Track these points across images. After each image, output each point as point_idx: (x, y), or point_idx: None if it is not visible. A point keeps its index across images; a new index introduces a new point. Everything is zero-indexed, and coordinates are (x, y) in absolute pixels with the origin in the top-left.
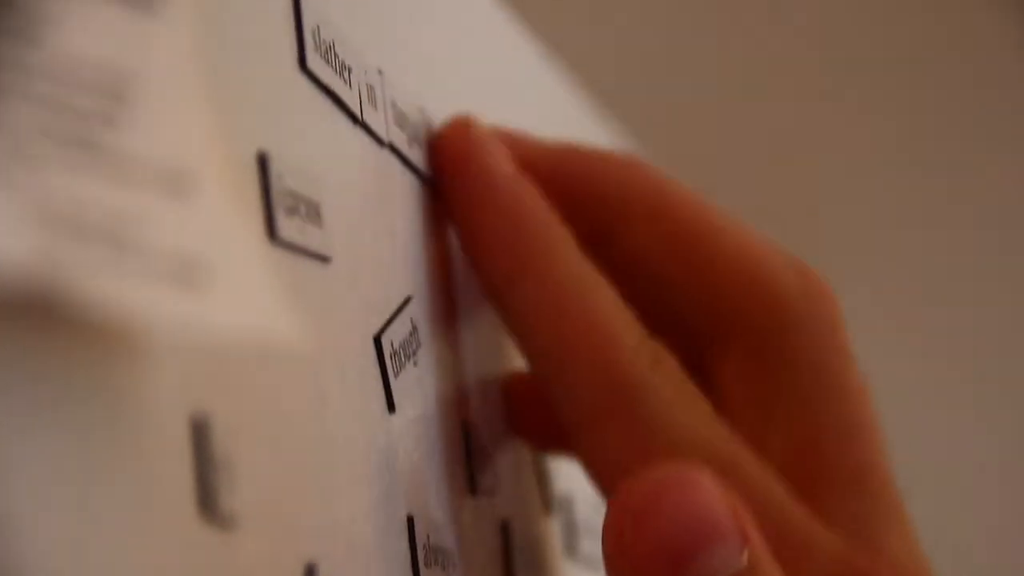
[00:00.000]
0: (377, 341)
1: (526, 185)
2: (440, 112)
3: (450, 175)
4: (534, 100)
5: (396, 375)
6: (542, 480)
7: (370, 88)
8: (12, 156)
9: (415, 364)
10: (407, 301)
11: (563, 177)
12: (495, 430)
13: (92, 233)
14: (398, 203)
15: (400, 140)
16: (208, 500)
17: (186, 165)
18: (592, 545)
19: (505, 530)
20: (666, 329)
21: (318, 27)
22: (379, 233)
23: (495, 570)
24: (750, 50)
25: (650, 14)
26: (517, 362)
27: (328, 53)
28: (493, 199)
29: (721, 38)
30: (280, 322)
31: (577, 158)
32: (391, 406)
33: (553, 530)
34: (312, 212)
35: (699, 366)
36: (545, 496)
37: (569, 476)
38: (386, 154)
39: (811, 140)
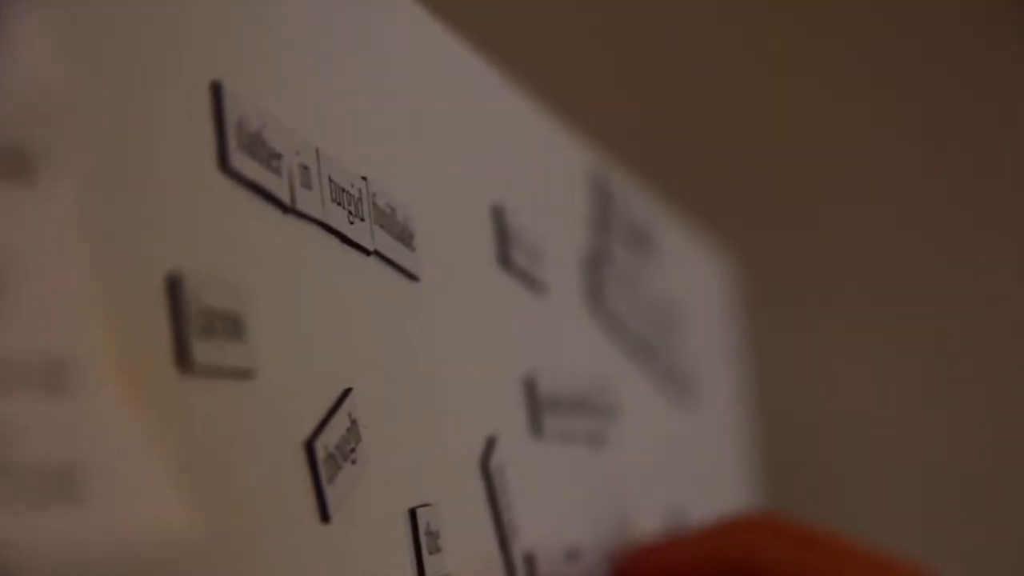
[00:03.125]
0: (309, 446)
1: None
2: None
3: None
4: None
5: (330, 480)
6: (505, 542)
7: (303, 169)
8: None
9: (353, 462)
10: (345, 395)
11: None
12: (443, 508)
13: None
14: (335, 284)
15: (340, 219)
16: None
17: (67, 354)
18: None
19: None
20: None
21: (241, 120)
22: (314, 323)
23: None
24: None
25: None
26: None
27: (254, 144)
28: None
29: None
30: (171, 512)
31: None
32: (325, 516)
33: None
34: (232, 326)
35: None
36: (508, 559)
37: (530, 528)
38: (323, 235)
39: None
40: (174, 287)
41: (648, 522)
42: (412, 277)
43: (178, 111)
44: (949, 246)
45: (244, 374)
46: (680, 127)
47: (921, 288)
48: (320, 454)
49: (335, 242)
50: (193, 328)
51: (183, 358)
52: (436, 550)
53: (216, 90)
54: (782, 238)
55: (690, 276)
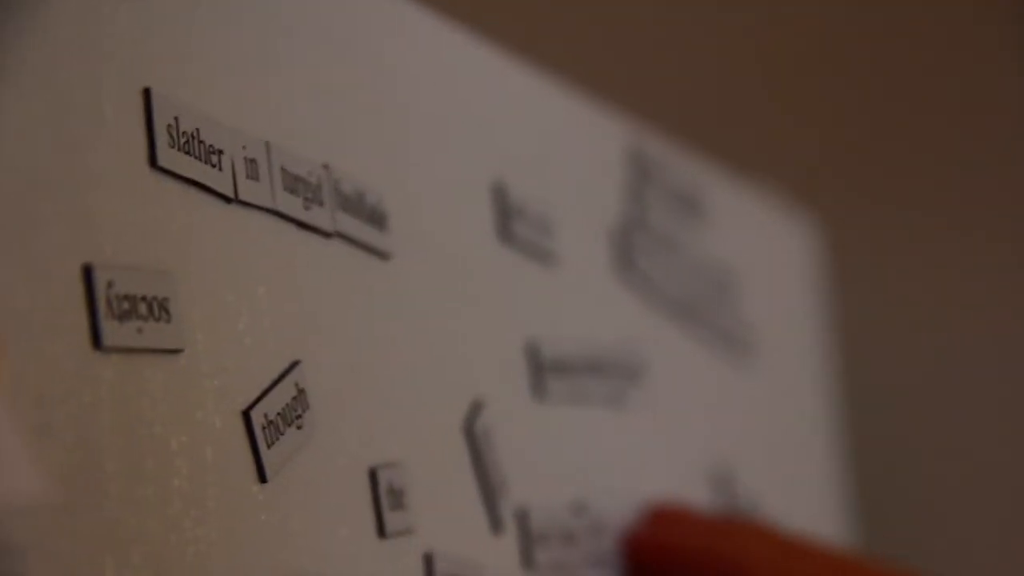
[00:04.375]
0: (246, 415)
1: None
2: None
3: None
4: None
5: (271, 445)
6: (491, 500)
7: (250, 162)
8: None
9: (299, 428)
10: (292, 366)
11: None
12: (416, 466)
13: None
14: (289, 266)
15: (293, 206)
16: None
17: None
18: (547, 553)
19: (428, 564)
20: None
21: (176, 120)
22: (257, 302)
23: None
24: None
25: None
26: (428, 397)
27: (190, 142)
28: None
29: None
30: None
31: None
32: (263, 476)
33: (504, 547)
34: (157, 309)
35: None
36: (494, 516)
37: (525, 485)
38: (275, 222)
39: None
40: (88, 273)
41: (689, 483)
42: (383, 256)
43: (111, 116)
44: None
45: (170, 352)
46: (769, 96)
47: (1018, 261)
48: (258, 421)
49: (291, 228)
50: (108, 311)
51: (98, 340)
52: (399, 507)
53: (147, 95)
54: (873, 207)
55: (756, 241)
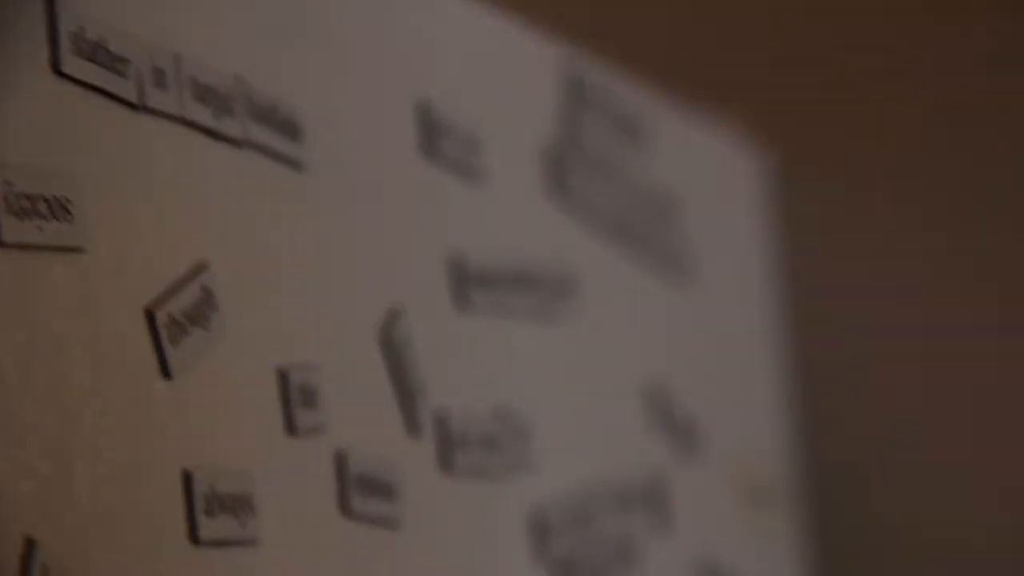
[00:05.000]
0: (150, 314)
1: None
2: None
3: None
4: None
5: (174, 343)
6: (408, 403)
7: (157, 72)
8: None
9: (206, 328)
10: (200, 269)
11: None
12: (330, 369)
13: None
14: (195, 172)
15: (203, 115)
16: None
17: None
18: (467, 457)
19: (340, 462)
20: None
21: (82, 28)
22: (162, 206)
23: (326, 502)
24: None
25: None
26: (335, 309)
27: (95, 50)
28: None
29: None
30: None
31: None
32: (167, 372)
33: (422, 450)
34: (57, 208)
35: None
36: (411, 419)
37: (445, 391)
38: (183, 130)
39: None
40: None
41: (622, 398)
42: (297, 166)
43: (13, 22)
44: (1010, 152)
45: (71, 250)
46: (724, 28)
47: (974, 196)
48: (162, 320)
49: (201, 136)
50: (8, 209)
51: None
52: (310, 406)
53: (50, 3)
54: (826, 139)
55: (702, 167)
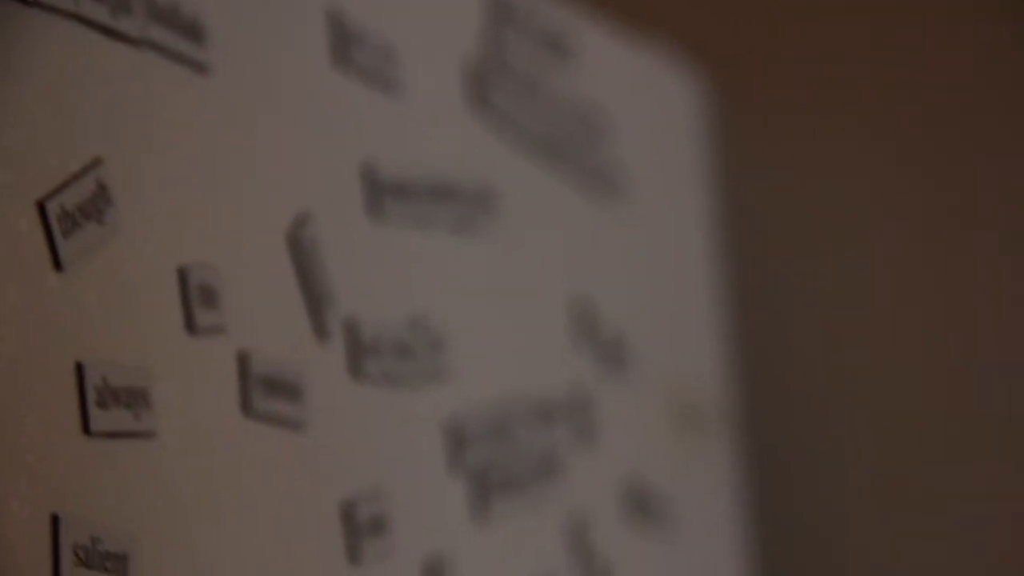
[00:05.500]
0: (41, 206)
1: None
2: None
3: None
4: None
5: (66, 235)
6: (316, 308)
7: None
8: None
9: (100, 223)
10: (95, 164)
11: None
12: (234, 271)
13: None
14: (92, 71)
15: (99, 13)
16: None
17: None
18: (378, 364)
19: (243, 362)
20: None
21: None
22: (50, 102)
23: (227, 400)
24: None
25: None
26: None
27: None
28: None
29: None
30: None
31: None
32: (58, 264)
33: (330, 355)
34: None
35: None
36: (319, 323)
37: (356, 298)
38: (65, 22)
39: None
40: None
41: (547, 311)
42: (200, 69)
43: None
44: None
45: None
46: None
47: (916, 121)
48: (53, 211)
49: (96, 34)
50: None
51: None
52: (210, 305)
53: None
54: (766, 65)
55: (634, 88)
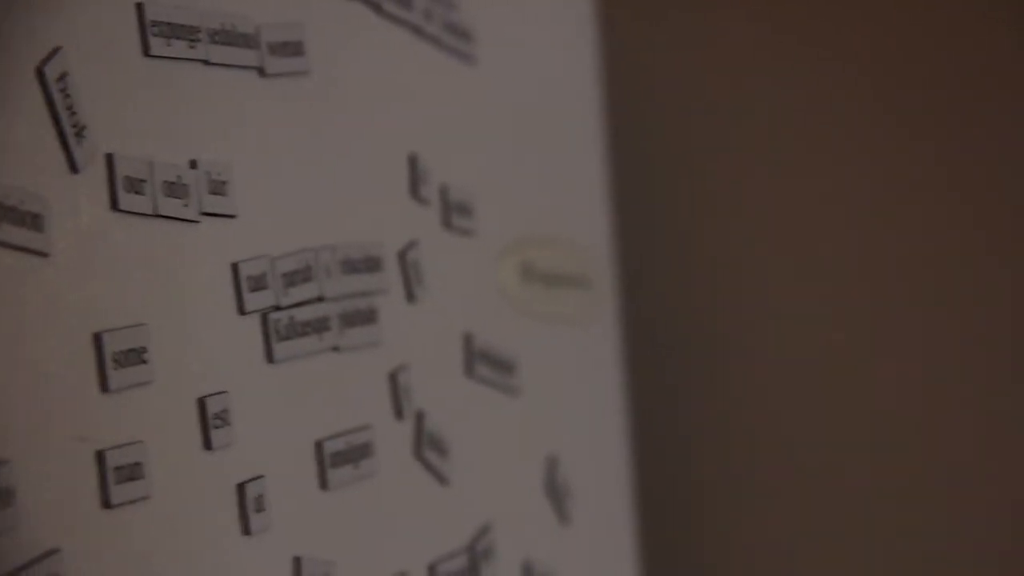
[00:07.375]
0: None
1: None
2: None
3: None
4: None
5: None
6: (65, 141)
7: None
8: None
9: None
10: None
11: None
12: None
13: None
14: None
15: None
16: None
17: None
18: (147, 201)
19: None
20: None
21: None
22: None
23: None
24: None
25: None
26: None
27: None
28: None
29: None
30: None
31: None
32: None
33: (84, 188)
34: None
35: None
36: (70, 156)
37: (113, 137)
38: None
39: None
40: None
41: (384, 168)
42: None
43: None
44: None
45: None
46: None
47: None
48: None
49: None
50: None
51: None
52: None
53: None
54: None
55: None
